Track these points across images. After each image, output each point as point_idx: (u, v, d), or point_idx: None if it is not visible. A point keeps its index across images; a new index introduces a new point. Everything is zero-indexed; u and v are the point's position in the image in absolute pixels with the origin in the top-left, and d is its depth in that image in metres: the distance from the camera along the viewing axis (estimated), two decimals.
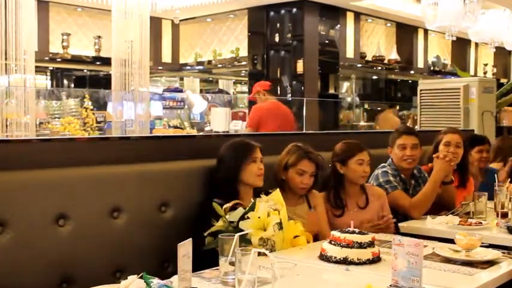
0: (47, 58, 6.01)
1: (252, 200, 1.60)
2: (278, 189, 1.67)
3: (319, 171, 1.89)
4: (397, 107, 7.03)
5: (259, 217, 1.50)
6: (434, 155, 2.26)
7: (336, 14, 6.45)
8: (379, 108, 7.66)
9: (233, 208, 1.56)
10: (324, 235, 1.80)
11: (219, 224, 1.51)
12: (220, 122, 4.40)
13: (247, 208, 1.54)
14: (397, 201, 2.16)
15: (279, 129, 3.68)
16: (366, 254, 1.45)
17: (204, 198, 1.72)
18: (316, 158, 1.87)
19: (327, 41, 6.34)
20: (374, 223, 1.93)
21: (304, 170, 1.84)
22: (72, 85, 6.68)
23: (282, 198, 1.63)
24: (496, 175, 2.29)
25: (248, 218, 1.50)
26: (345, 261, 1.44)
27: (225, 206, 1.55)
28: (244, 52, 6.67)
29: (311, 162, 1.85)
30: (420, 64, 7.93)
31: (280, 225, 1.53)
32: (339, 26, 6.50)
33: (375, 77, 8.06)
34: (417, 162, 2.30)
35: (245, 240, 1.43)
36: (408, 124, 6.24)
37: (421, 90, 4.41)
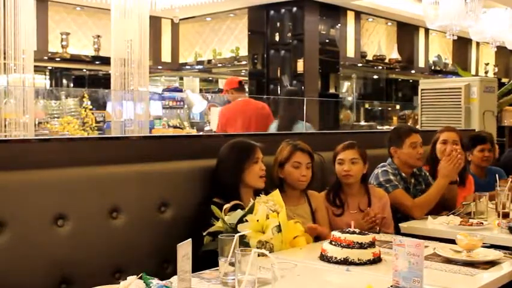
0: (45, 57, 5.99)
1: (252, 200, 1.59)
2: (277, 190, 1.66)
3: (313, 162, 1.89)
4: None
5: (257, 221, 1.49)
6: (444, 155, 2.20)
7: (336, 13, 6.44)
8: (379, 108, 7.65)
9: (233, 208, 1.55)
10: (324, 236, 1.78)
11: (218, 225, 1.50)
12: None
13: (246, 210, 1.52)
14: (398, 201, 2.15)
15: (250, 126, 3.50)
16: (367, 254, 1.45)
17: (203, 198, 1.71)
18: (307, 149, 1.88)
19: (327, 40, 6.33)
20: (366, 218, 1.89)
21: (299, 162, 1.85)
22: (71, 85, 6.67)
23: (281, 199, 1.62)
24: (496, 175, 2.28)
25: (246, 220, 1.49)
26: (346, 262, 1.44)
27: (225, 207, 1.54)
28: (244, 51, 6.66)
29: (304, 153, 1.86)
30: (421, 63, 7.92)
31: (278, 228, 1.52)
32: (339, 25, 6.48)
33: (375, 77, 8.05)
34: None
35: (243, 243, 1.42)
36: (409, 124, 6.23)
37: (422, 89, 4.40)
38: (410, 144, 2.22)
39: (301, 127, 3.53)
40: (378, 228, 1.88)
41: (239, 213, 1.51)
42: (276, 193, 1.64)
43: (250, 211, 1.52)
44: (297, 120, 3.55)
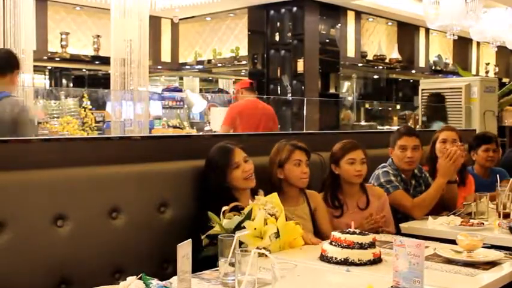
0: (45, 57, 5.98)
1: (250, 201, 1.58)
2: (276, 194, 1.65)
3: (310, 159, 1.90)
4: None
5: (255, 229, 1.48)
6: (440, 155, 2.21)
7: (336, 12, 6.43)
8: (380, 108, 7.64)
9: (233, 209, 1.55)
10: (326, 234, 1.78)
11: (216, 229, 1.49)
12: (220, 121, 4.39)
13: (244, 215, 1.51)
14: (398, 201, 2.15)
15: (258, 127, 3.69)
16: (367, 254, 1.44)
17: (203, 198, 1.70)
18: (304, 147, 1.90)
19: (327, 40, 6.32)
20: (369, 219, 1.90)
21: (300, 159, 1.86)
22: (71, 84, 6.66)
23: (279, 202, 1.61)
24: (497, 175, 2.27)
25: (244, 227, 1.48)
26: (346, 262, 1.43)
27: (224, 208, 1.54)
28: (244, 51, 6.66)
29: (302, 151, 1.88)
30: (421, 63, 7.91)
31: (277, 234, 1.52)
32: (339, 25, 6.48)
33: (376, 77, 8.05)
34: (417, 163, 2.28)
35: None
36: (409, 124, 6.22)
37: (422, 89, 4.40)
38: (399, 146, 2.22)
39: (438, 126, 4.05)
40: (380, 229, 1.88)
41: (237, 219, 1.49)
42: (274, 196, 1.63)
43: (248, 217, 1.50)
44: (436, 120, 4.15)
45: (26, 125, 2.15)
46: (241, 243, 1.43)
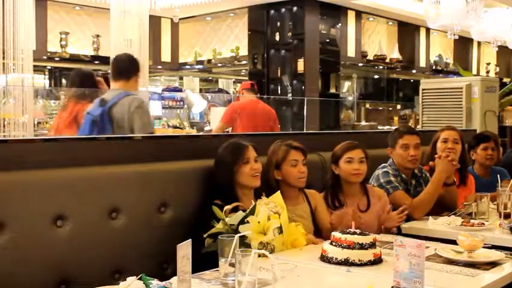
0: (45, 57, 5.98)
1: (253, 202, 1.58)
2: (279, 192, 1.66)
3: (306, 158, 1.90)
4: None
5: (258, 222, 1.49)
6: (436, 156, 2.24)
7: (337, 12, 6.43)
8: (380, 108, 7.64)
9: (234, 210, 1.55)
10: (326, 234, 1.78)
11: (218, 226, 1.50)
12: None
13: (248, 211, 1.52)
14: (398, 202, 2.15)
15: (258, 127, 3.74)
16: (368, 255, 1.44)
17: (203, 199, 1.71)
18: (300, 146, 1.90)
19: (327, 40, 6.32)
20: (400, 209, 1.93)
21: (296, 159, 1.86)
22: None
23: (282, 201, 1.61)
24: (498, 175, 2.27)
25: (248, 222, 1.48)
26: (346, 263, 1.43)
27: (225, 208, 1.54)
28: (244, 51, 6.66)
29: (298, 150, 1.88)
30: (422, 63, 7.91)
31: (280, 230, 1.52)
32: (340, 24, 6.48)
33: (376, 76, 8.05)
34: (419, 161, 2.28)
35: (244, 245, 1.42)
36: (410, 124, 6.22)
37: (423, 89, 4.39)
38: (402, 145, 2.22)
39: None
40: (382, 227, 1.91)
41: (240, 214, 1.50)
42: (277, 195, 1.64)
43: (252, 212, 1.51)
44: None
45: (142, 121, 2.27)
46: (244, 238, 1.42)
